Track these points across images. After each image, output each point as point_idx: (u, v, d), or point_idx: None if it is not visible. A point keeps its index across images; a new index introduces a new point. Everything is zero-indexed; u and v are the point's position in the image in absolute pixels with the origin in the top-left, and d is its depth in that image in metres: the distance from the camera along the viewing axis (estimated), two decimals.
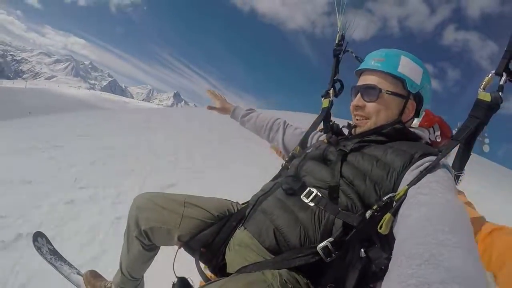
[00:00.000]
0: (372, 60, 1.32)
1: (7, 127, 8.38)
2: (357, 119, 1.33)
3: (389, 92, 1.26)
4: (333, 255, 1.01)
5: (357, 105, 1.31)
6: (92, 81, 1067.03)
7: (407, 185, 0.96)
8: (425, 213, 0.80)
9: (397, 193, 0.98)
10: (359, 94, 1.32)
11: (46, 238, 2.35)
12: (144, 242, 1.43)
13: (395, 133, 1.22)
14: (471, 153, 1.27)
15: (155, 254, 1.55)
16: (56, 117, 11.47)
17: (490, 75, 1.16)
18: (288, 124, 1.90)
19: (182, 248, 1.37)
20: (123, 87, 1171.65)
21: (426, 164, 1.01)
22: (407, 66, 1.28)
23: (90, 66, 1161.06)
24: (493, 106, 1.12)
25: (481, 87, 1.16)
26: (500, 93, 1.13)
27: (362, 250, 1.01)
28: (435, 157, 1.04)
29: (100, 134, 8.25)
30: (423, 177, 0.96)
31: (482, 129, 1.16)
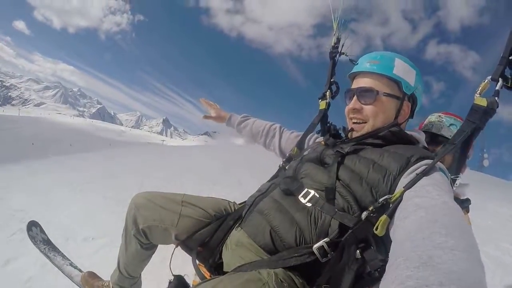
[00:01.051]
0: (367, 63, 1.35)
1: (46, 165, 8.39)
2: (353, 123, 1.36)
3: (386, 94, 1.29)
4: (329, 255, 1.04)
5: (354, 108, 1.33)
6: (81, 108, 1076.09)
7: (403, 187, 0.98)
8: (422, 215, 0.80)
9: (393, 195, 1.00)
10: (355, 97, 1.34)
11: (41, 227, 2.32)
12: (141, 241, 1.48)
13: (392, 136, 1.25)
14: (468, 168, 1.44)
15: (153, 253, 1.61)
16: (83, 156, 11.12)
17: (486, 80, 1.18)
18: (284, 128, 1.93)
19: (179, 247, 1.40)
20: (112, 114, 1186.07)
21: (423, 168, 1.03)
22: (402, 68, 1.31)
23: (79, 93, 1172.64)
24: (489, 111, 1.15)
25: (478, 93, 1.19)
26: (496, 98, 1.15)
27: (358, 251, 1.02)
28: (432, 160, 1.06)
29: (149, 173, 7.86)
30: (419, 180, 0.98)
31: (478, 133, 1.18)
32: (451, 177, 1.18)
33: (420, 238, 0.71)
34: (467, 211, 1.74)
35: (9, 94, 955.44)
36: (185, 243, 1.39)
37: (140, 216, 1.42)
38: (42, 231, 2.32)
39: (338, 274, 1.03)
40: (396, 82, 1.30)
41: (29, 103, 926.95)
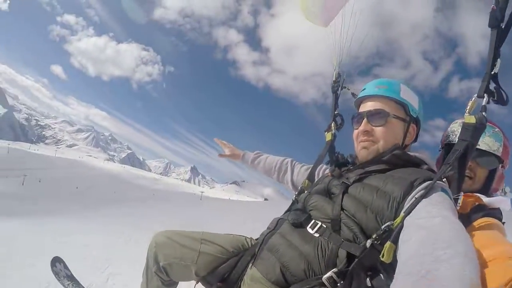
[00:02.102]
0: (376, 87, 1.45)
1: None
2: (364, 145, 1.42)
3: (395, 116, 1.39)
4: (338, 285, 1.09)
5: (365, 130, 1.41)
6: (112, 152, 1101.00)
7: (403, 212, 1.05)
8: (423, 234, 0.87)
9: (395, 221, 1.05)
10: (365, 120, 1.42)
11: (64, 263, 2.55)
12: (163, 278, 1.56)
13: (396, 160, 1.31)
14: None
15: None
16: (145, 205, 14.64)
17: (473, 99, 1.26)
18: (295, 162, 2.04)
19: (199, 283, 1.52)
20: (141, 160, 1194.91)
21: (422, 191, 1.08)
22: (407, 93, 1.43)
23: (110, 137, 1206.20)
24: (479, 126, 1.21)
25: (467, 112, 1.26)
26: (484, 113, 1.22)
27: (368, 279, 1.08)
28: (419, 186, 1.14)
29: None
30: (418, 203, 1.03)
31: (472, 150, 1.23)
32: (454, 196, 1.22)
33: (421, 254, 0.78)
34: (500, 220, 1.36)
35: (43, 133, 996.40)
36: (205, 279, 1.48)
37: (160, 253, 1.52)
38: (66, 267, 2.54)
39: None
40: (403, 105, 1.42)
41: (62, 143, 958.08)
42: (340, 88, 1.98)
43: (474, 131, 1.21)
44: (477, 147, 1.40)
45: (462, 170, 1.26)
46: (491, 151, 1.51)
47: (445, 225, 0.88)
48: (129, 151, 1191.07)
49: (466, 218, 1.33)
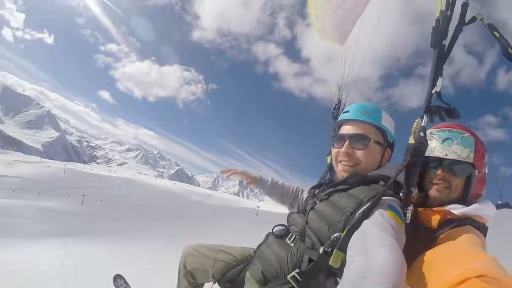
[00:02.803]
0: (359, 112, 1.59)
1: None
2: (345, 169, 1.59)
3: (375, 142, 1.56)
4: (300, 282, 1.40)
5: (347, 152, 1.56)
6: (161, 169, 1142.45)
7: (349, 226, 1.22)
8: (358, 263, 1.00)
9: (342, 233, 1.23)
10: (347, 142, 1.58)
11: (124, 279, 3.03)
12: (189, 280, 2.04)
13: (356, 181, 1.49)
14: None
15: None
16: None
17: (417, 120, 1.34)
18: (302, 189, 2.36)
19: (216, 284, 1.98)
20: (190, 175, 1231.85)
21: (365, 209, 1.24)
22: (387, 120, 1.61)
23: (158, 155, 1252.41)
24: (417, 146, 1.30)
25: (411, 132, 1.34)
26: (421, 133, 1.31)
27: (323, 280, 1.33)
28: (366, 203, 1.30)
29: None
30: (362, 220, 1.20)
31: (415, 169, 1.32)
32: (404, 211, 1.33)
33: (352, 283, 0.93)
34: (478, 228, 1.38)
35: (95, 153, 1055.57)
36: (220, 281, 1.92)
37: (187, 261, 2.02)
38: (126, 282, 3.02)
39: None
40: (382, 132, 1.59)
41: (112, 162, 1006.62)
42: (339, 114, 2.07)
43: (413, 151, 1.30)
44: (446, 157, 1.49)
45: (408, 187, 1.34)
46: (461, 159, 1.47)
47: (377, 257, 0.97)
48: (178, 167, 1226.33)
49: (431, 233, 1.37)
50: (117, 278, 2.98)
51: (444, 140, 1.53)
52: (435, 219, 1.40)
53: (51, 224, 19.10)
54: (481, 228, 1.38)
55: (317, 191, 1.71)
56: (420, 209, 1.50)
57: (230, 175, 2.42)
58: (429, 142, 1.43)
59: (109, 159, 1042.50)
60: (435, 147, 1.53)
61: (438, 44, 1.31)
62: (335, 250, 1.18)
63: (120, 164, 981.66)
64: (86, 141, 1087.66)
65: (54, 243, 9.87)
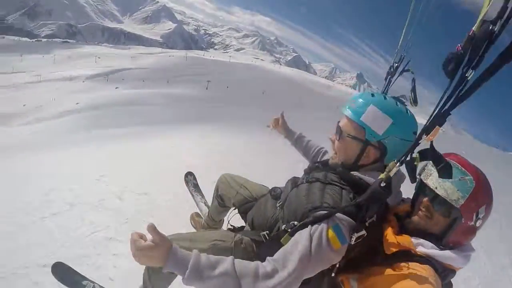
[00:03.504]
0: (347, 103, 1.53)
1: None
2: (333, 150, 1.62)
3: (350, 136, 1.47)
4: (267, 239, 1.63)
5: (331, 139, 1.61)
6: (278, 55, 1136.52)
7: (301, 223, 1.29)
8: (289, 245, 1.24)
9: (298, 223, 1.31)
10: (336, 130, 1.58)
11: (194, 176, 3.52)
12: (219, 201, 2.46)
13: (341, 173, 1.47)
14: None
15: (226, 211, 2.52)
16: None
17: (393, 161, 1.19)
18: (324, 152, 2.27)
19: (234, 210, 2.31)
20: (307, 63, 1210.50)
21: (318, 213, 1.28)
22: (372, 116, 1.41)
23: (275, 41, 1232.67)
24: (376, 194, 1.20)
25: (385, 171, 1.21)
26: (383, 184, 1.19)
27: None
28: (323, 210, 1.29)
29: None
30: (306, 222, 1.26)
31: (372, 208, 1.29)
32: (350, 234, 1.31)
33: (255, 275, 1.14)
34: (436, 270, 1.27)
35: (212, 40, 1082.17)
36: (239, 209, 2.23)
37: (219, 187, 2.42)
38: (194, 178, 3.49)
39: (271, 253, 1.31)
40: (364, 127, 1.43)
41: (229, 48, 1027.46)
42: (403, 71, 2.10)
43: (370, 194, 1.21)
44: (435, 190, 1.30)
45: (360, 220, 1.28)
46: (447, 199, 1.28)
47: (280, 275, 1.14)
48: (295, 54, 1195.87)
49: (382, 259, 1.31)
50: (188, 174, 3.50)
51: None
52: (394, 247, 1.30)
53: (180, 109, 19.36)
54: (443, 272, 1.26)
55: (314, 167, 1.67)
56: (388, 228, 1.39)
57: (273, 125, 2.52)
58: (430, 168, 1.34)
59: (227, 45, 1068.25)
60: (432, 175, 1.34)
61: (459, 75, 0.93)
62: (287, 234, 1.31)
63: (237, 50, 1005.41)
64: (203, 29, 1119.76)
65: (189, 128, 9.24)
